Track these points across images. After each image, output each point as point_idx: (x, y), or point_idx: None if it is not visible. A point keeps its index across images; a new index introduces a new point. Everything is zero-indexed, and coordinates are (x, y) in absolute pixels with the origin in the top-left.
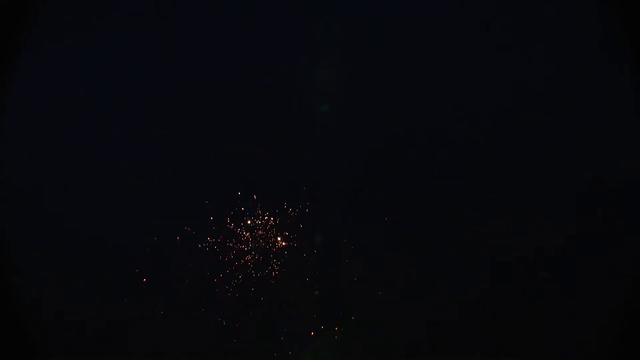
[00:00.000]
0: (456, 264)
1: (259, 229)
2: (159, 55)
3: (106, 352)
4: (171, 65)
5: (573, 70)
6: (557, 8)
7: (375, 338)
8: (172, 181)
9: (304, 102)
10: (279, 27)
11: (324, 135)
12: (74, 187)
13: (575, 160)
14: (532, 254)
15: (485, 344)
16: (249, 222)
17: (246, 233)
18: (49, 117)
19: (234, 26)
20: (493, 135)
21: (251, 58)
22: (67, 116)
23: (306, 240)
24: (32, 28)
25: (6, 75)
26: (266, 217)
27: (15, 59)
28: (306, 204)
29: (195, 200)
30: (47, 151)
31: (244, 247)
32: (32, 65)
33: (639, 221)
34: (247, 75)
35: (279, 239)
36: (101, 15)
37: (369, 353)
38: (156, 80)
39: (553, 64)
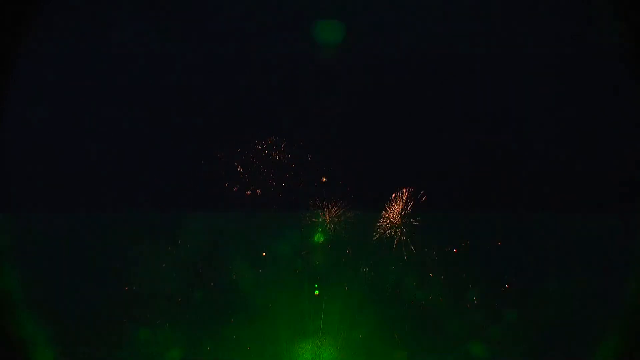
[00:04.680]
0: (456, 264)
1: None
2: (158, 57)
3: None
4: (171, 67)
5: (573, 71)
6: (557, 9)
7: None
8: (170, 180)
9: (305, 102)
10: (280, 28)
11: (325, 135)
12: (73, 186)
13: (575, 160)
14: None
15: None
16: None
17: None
18: (48, 117)
19: (234, 28)
20: (493, 136)
21: (251, 58)
22: (65, 116)
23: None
24: (31, 30)
25: (6, 76)
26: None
27: (15, 60)
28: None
29: (194, 200)
30: (47, 150)
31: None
32: (31, 66)
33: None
34: (247, 75)
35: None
36: (99, 17)
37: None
38: (156, 82)
39: (553, 65)
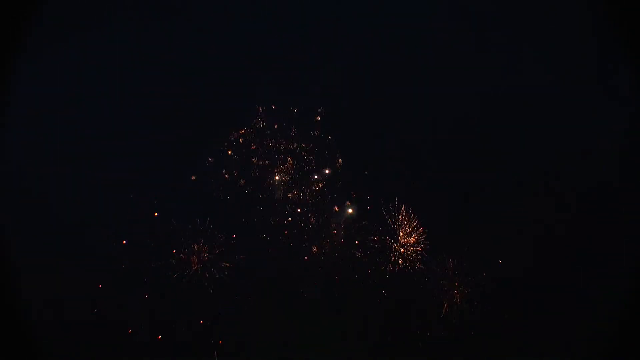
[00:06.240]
0: (457, 264)
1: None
2: (159, 59)
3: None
4: (171, 68)
5: (574, 72)
6: (557, 10)
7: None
8: (170, 180)
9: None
10: (281, 29)
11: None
12: (73, 186)
13: (575, 160)
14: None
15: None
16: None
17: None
18: (48, 117)
19: (235, 29)
20: (493, 136)
21: (251, 58)
22: (65, 117)
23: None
24: (31, 31)
25: (6, 77)
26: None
27: (15, 61)
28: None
29: (195, 201)
30: (46, 151)
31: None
32: (31, 67)
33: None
34: (247, 75)
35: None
36: (98, 19)
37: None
38: (156, 83)
39: (553, 66)
